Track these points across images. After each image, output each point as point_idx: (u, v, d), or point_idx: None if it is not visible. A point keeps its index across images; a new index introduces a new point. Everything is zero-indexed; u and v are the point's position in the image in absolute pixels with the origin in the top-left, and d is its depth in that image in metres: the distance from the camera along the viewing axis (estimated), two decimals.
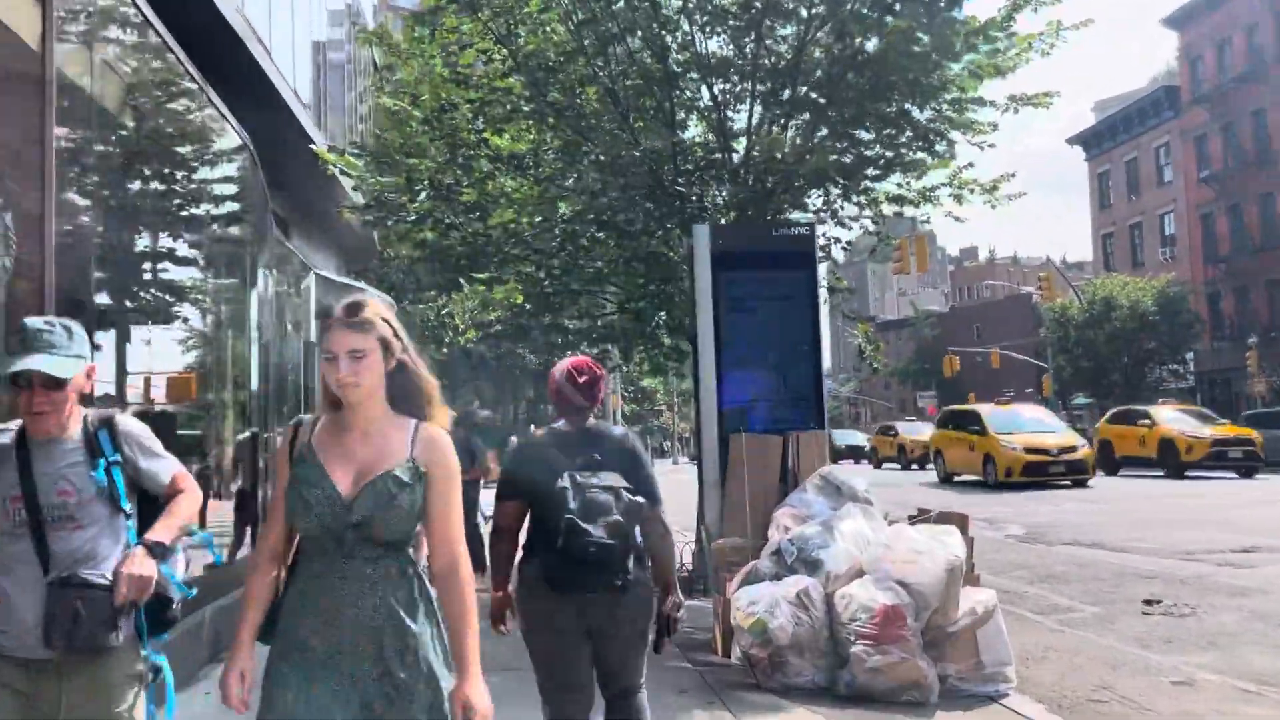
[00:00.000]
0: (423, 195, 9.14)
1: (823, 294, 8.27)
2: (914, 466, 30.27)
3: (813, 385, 6.80)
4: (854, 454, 36.72)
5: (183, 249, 7.12)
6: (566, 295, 9.83)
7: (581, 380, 3.47)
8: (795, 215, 8.93)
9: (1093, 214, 50.06)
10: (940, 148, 9.37)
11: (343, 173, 9.99)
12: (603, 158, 8.28)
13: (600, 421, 3.57)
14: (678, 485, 23.36)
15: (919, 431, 31.80)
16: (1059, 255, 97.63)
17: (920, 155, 9.30)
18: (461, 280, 9.40)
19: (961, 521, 6.13)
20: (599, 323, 10.42)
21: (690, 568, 8.90)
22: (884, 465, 32.53)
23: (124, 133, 6.00)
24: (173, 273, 7.07)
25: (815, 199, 9.23)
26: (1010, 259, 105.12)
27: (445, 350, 30.68)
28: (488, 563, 3.61)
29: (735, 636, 5.71)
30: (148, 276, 6.62)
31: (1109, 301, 37.94)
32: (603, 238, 8.98)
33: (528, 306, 10.35)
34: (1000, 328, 72.06)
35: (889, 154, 9.25)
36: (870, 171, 9.46)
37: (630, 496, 3.27)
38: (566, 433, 3.50)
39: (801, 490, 6.33)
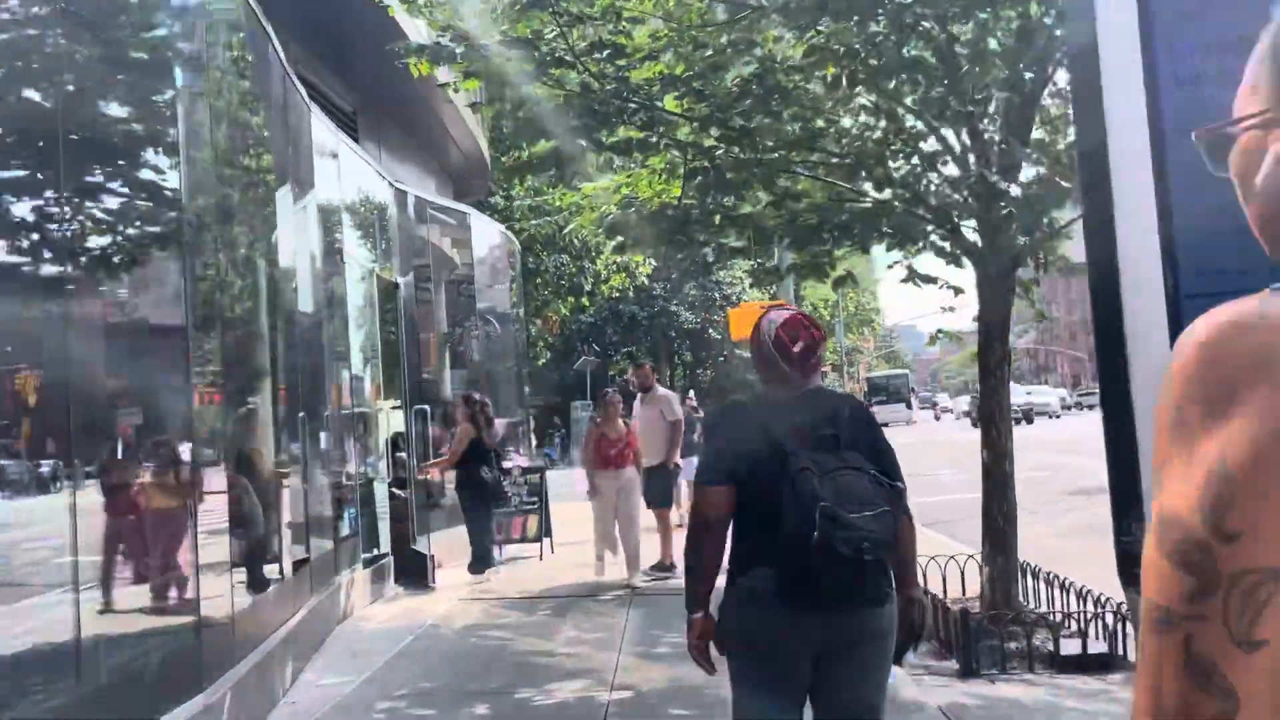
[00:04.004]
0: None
1: None
2: None
3: None
4: (1026, 416, 33.15)
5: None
6: (756, 168, 6.06)
7: (795, 350, 2.78)
8: None
9: None
10: None
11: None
12: None
13: (822, 386, 2.99)
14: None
15: None
16: None
17: None
18: (585, 145, 5.71)
19: None
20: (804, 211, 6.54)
21: (970, 615, 5.10)
22: None
23: None
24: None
25: None
26: None
27: (588, 305, 27.38)
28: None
29: None
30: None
31: None
32: (821, 45, 5.14)
33: (691, 196, 6.65)
34: None
35: None
36: None
37: (887, 481, 2.64)
38: (785, 401, 2.80)
39: None
